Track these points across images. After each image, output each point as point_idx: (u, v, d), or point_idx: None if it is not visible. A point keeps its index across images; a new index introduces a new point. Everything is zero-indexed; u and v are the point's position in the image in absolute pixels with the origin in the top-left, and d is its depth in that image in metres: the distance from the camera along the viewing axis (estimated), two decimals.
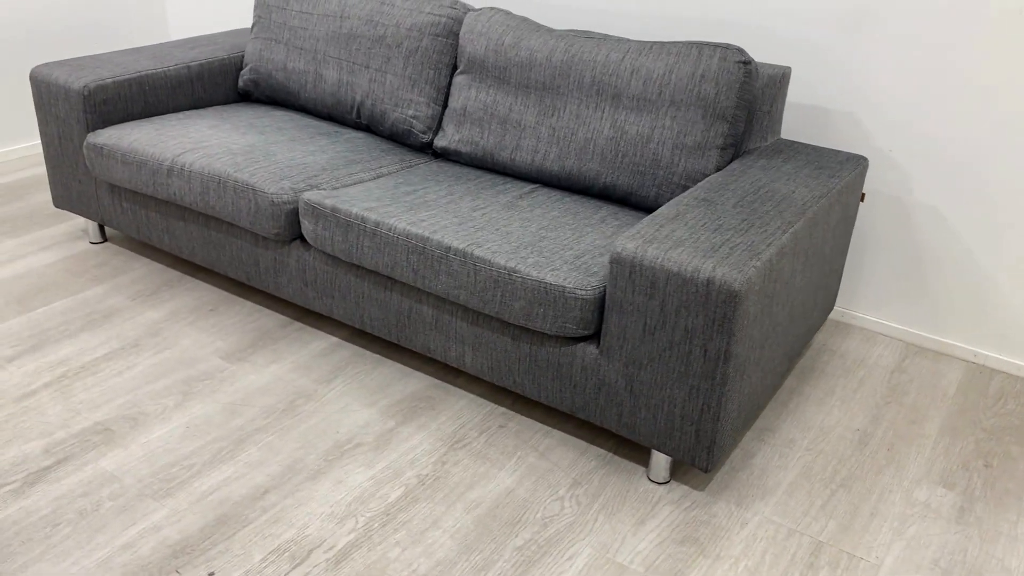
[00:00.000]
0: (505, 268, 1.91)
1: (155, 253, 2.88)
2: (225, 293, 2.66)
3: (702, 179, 2.18)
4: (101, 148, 2.54)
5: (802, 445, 2.13)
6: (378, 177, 2.42)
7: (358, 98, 2.68)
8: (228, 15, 3.78)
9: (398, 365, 2.35)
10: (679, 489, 1.96)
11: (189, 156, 2.40)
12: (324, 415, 2.14)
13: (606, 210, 2.26)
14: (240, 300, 2.63)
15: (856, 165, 2.27)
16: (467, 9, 2.59)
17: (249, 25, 3.65)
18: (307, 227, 2.22)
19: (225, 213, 2.34)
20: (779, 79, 2.30)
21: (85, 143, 2.59)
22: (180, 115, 2.73)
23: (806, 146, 2.38)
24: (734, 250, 1.75)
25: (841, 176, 2.18)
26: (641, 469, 2.02)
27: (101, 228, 2.91)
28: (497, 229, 2.06)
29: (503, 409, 2.20)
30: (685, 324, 1.74)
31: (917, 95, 2.36)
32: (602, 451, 2.07)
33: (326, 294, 2.31)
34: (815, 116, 2.53)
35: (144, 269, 2.77)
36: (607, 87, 2.27)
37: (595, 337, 1.91)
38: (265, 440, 2.04)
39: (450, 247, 1.98)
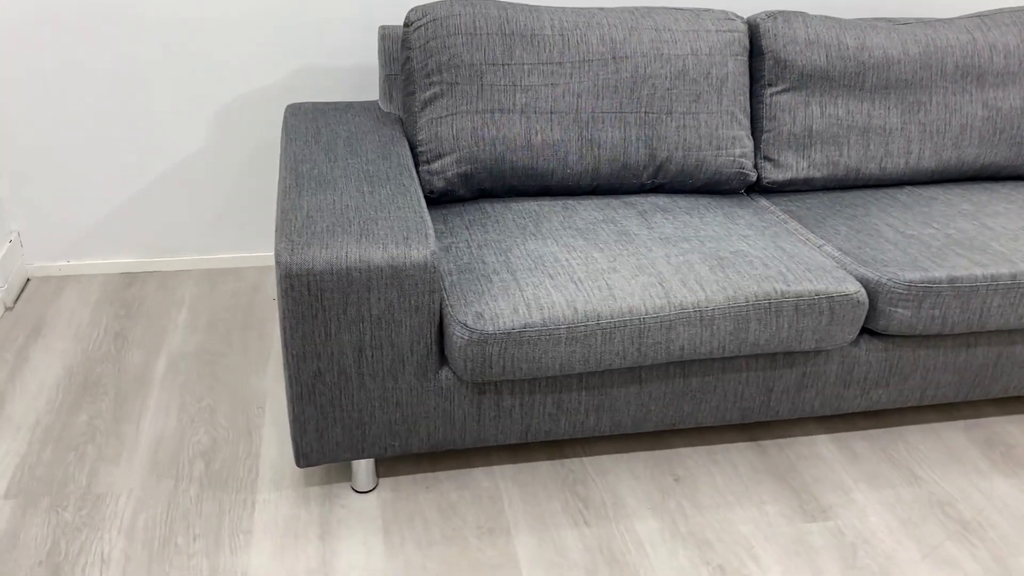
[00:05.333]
0: None
1: (482, 459, 1.92)
2: (647, 454, 1.95)
3: None
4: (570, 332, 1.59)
5: None
6: (814, 242, 2.01)
7: (661, 154, 2.09)
8: (77, 218, 2.43)
9: (934, 427, 2.07)
10: None
11: (690, 295, 1.68)
12: None
13: (998, 190, 2.25)
14: (671, 452, 1.96)
15: None
16: (739, 17, 2.18)
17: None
18: (901, 316, 1.79)
19: (774, 342, 1.73)
20: None
21: (479, 334, 1.58)
22: (481, 248, 1.81)
23: None
24: None
25: None
26: None
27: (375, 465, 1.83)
28: None
29: None
30: None
31: None
32: None
33: (876, 385, 1.90)
34: None
35: (515, 487, 1.85)
36: (971, 69, 2.21)
37: None
38: None
39: None
